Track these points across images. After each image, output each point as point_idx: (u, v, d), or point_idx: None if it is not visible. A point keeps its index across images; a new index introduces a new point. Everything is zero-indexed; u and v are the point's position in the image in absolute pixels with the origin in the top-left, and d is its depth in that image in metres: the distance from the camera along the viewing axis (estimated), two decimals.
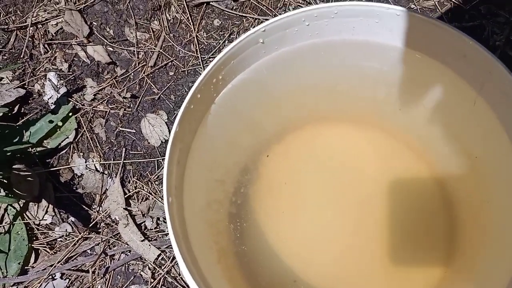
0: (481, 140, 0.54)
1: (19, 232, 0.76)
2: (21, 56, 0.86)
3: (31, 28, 0.87)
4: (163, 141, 0.80)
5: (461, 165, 0.59)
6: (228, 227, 0.63)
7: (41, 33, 0.87)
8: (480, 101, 0.52)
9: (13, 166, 0.77)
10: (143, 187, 0.78)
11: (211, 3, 0.85)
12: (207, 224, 0.58)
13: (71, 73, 0.85)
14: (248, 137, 0.66)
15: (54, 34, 0.87)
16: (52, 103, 0.84)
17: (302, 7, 0.51)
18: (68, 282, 0.74)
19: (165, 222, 0.75)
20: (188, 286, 0.72)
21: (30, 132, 0.81)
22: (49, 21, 0.87)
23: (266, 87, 0.60)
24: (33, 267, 0.75)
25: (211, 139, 0.58)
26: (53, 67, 0.86)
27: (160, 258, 0.74)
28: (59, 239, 0.77)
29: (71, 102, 0.83)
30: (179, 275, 0.73)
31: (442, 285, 0.61)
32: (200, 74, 0.79)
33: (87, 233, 0.76)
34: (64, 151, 0.82)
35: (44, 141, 0.81)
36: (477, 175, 0.56)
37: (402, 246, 0.64)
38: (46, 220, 0.78)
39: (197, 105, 0.51)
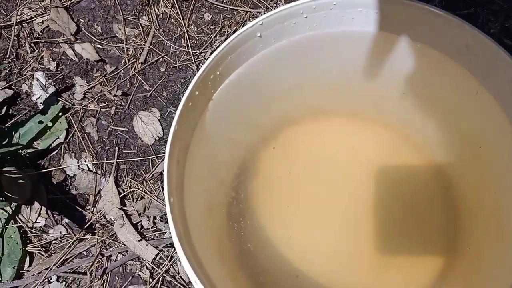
0: (484, 129, 0.54)
1: (12, 236, 0.74)
2: (7, 56, 0.84)
3: (16, 27, 0.85)
4: (157, 138, 0.79)
5: (464, 156, 0.59)
6: (230, 226, 0.63)
7: (27, 32, 0.85)
8: (483, 91, 0.51)
9: (3, 169, 0.75)
10: (138, 186, 0.77)
11: None
12: (209, 223, 0.58)
13: (59, 72, 0.83)
14: (246, 133, 0.65)
15: (40, 33, 0.85)
16: (41, 103, 0.82)
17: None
18: (65, 285, 0.73)
19: (162, 221, 0.74)
20: (188, 285, 0.71)
21: (20, 133, 0.79)
22: (35, 19, 0.85)
23: (264, 82, 0.59)
24: (28, 271, 0.74)
25: (209, 136, 0.57)
26: (41, 66, 0.83)
27: (158, 257, 0.73)
28: (53, 242, 0.75)
29: (61, 102, 0.81)
30: (178, 273, 0.72)
31: (443, 278, 0.61)
32: (192, 69, 0.78)
33: (83, 235, 0.75)
34: (55, 152, 0.80)
35: (34, 142, 0.80)
36: (481, 166, 0.56)
37: (403, 239, 0.64)
38: (39, 222, 0.76)
39: (195, 103, 0.50)
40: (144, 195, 0.76)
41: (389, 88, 0.61)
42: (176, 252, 0.72)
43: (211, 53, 0.80)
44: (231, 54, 0.52)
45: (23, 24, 0.85)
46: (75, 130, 0.80)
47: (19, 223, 0.76)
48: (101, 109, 0.81)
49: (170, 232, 0.74)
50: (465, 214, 0.60)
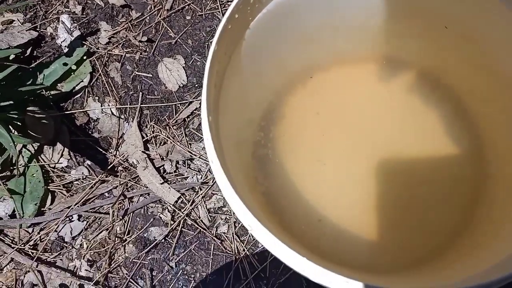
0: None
1: (34, 175, 0.74)
2: None
3: None
4: (181, 85, 0.79)
5: (495, 102, 0.58)
6: (255, 164, 0.63)
7: None
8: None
9: (28, 108, 0.75)
10: (161, 132, 0.77)
11: None
12: (238, 154, 0.57)
13: (84, 16, 0.83)
14: (275, 74, 0.65)
15: None
16: (65, 46, 0.81)
17: None
18: (86, 224, 0.73)
19: (185, 166, 0.74)
20: (208, 229, 0.72)
21: (44, 74, 0.78)
22: None
23: (300, 18, 0.59)
24: (50, 208, 0.74)
25: (243, 67, 0.56)
26: (66, 9, 0.83)
27: (180, 201, 0.73)
28: (75, 182, 0.76)
29: (85, 46, 0.81)
30: (199, 217, 0.72)
31: (459, 242, 0.61)
32: (218, 18, 0.77)
33: (105, 176, 0.75)
34: (79, 95, 0.80)
35: (58, 84, 0.80)
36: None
37: (423, 194, 0.64)
38: (61, 163, 0.76)
39: (234, 26, 0.50)
40: (167, 140, 0.76)
41: (424, 29, 0.60)
42: (198, 196, 0.72)
43: None
44: None
45: None
46: (99, 74, 0.80)
47: (42, 162, 0.76)
48: (126, 54, 0.81)
49: (192, 176, 0.74)
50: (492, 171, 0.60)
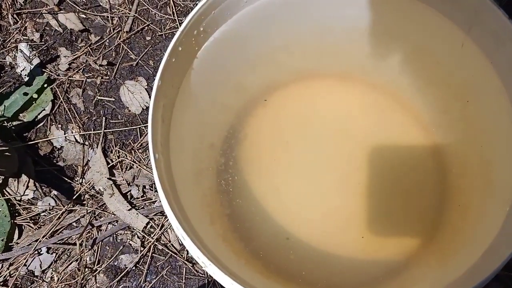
0: (472, 82, 0.53)
1: (0, 209, 0.73)
2: None
3: None
4: (144, 108, 0.78)
5: (451, 111, 0.58)
6: (219, 188, 0.62)
7: (9, 3, 0.83)
8: (469, 42, 0.51)
9: None
10: (127, 156, 0.76)
11: None
12: (197, 185, 0.57)
13: (43, 43, 0.82)
14: (233, 96, 0.64)
15: (22, 3, 0.83)
16: (25, 75, 0.80)
17: None
18: (55, 256, 0.72)
19: (152, 190, 0.73)
20: (179, 252, 0.71)
21: (5, 106, 0.77)
22: None
23: (249, 42, 0.58)
24: (17, 243, 0.73)
25: (195, 97, 0.56)
26: (24, 37, 0.82)
27: (149, 226, 0.72)
28: (42, 214, 0.75)
29: (46, 73, 0.80)
30: (170, 241, 0.72)
31: (431, 238, 0.61)
32: None
33: (71, 206, 0.74)
34: (42, 123, 0.79)
35: (20, 114, 0.78)
36: (468, 121, 0.56)
37: (393, 200, 0.64)
38: (27, 195, 0.75)
39: (179, 59, 0.49)
40: (133, 164, 0.76)
41: (375, 46, 0.60)
42: (167, 220, 0.72)
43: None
44: (214, 9, 0.51)
45: None
46: (61, 101, 0.79)
47: (7, 195, 0.75)
48: (87, 80, 0.80)
49: (160, 201, 0.73)
50: (454, 169, 0.60)
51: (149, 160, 0.75)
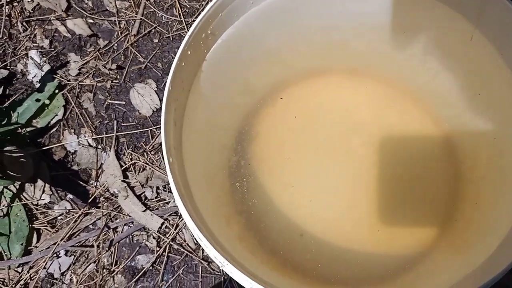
0: (482, 74, 0.53)
1: (18, 214, 0.75)
2: (0, 37, 0.83)
3: (6, 7, 0.84)
4: (155, 110, 0.79)
5: (462, 106, 0.58)
6: (232, 188, 0.63)
7: (18, 11, 0.84)
8: (477, 34, 0.51)
9: (4, 148, 0.75)
10: (139, 158, 0.77)
11: None
12: (211, 186, 0.58)
13: (53, 49, 0.83)
14: (242, 96, 0.65)
15: (31, 11, 0.84)
16: (37, 81, 0.81)
17: None
18: (74, 259, 0.74)
19: (165, 191, 0.74)
20: (194, 251, 0.72)
21: (18, 112, 0.79)
22: None
23: (257, 42, 0.59)
24: (36, 247, 0.75)
25: (205, 99, 0.56)
26: (34, 45, 0.83)
27: (164, 226, 0.74)
28: (59, 217, 0.76)
29: (56, 79, 0.81)
30: (185, 241, 0.73)
31: (444, 234, 0.61)
32: None
33: (87, 209, 0.76)
34: (55, 129, 0.80)
35: (33, 120, 0.80)
36: (479, 112, 0.56)
37: (404, 195, 0.64)
38: (44, 199, 0.77)
39: (189, 62, 0.50)
40: (145, 166, 0.77)
41: (384, 41, 0.60)
42: (181, 220, 0.73)
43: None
44: (221, 11, 0.51)
45: (14, 4, 0.85)
46: (73, 106, 0.80)
47: (24, 201, 0.76)
48: (97, 84, 0.81)
49: (174, 201, 0.74)
50: (467, 161, 0.60)
51: (162, 161, 0.76)
